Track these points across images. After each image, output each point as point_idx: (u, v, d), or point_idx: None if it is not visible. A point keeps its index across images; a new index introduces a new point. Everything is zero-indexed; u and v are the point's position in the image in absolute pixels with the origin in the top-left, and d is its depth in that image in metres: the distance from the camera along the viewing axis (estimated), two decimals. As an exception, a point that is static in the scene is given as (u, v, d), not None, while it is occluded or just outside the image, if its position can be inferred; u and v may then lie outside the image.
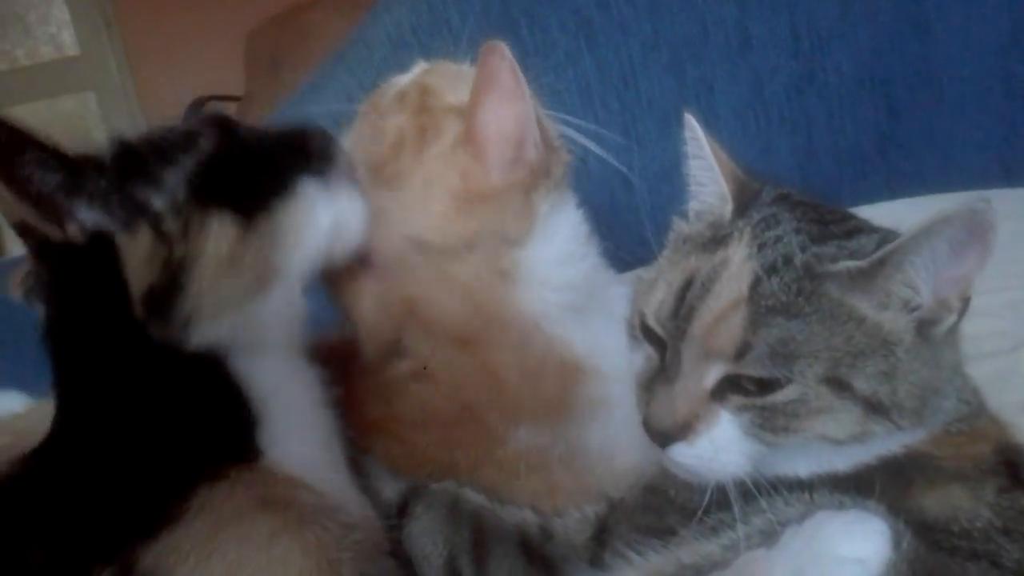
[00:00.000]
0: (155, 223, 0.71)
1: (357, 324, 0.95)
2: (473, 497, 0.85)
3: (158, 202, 0.72)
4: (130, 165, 0.73)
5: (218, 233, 0.72)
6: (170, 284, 0.71)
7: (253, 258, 0.74)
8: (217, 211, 0.73)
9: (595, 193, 1.06)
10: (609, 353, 0.92)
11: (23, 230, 0.70)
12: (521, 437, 0.89)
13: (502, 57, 0.87)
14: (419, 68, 1.03)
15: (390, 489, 0.86)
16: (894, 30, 1.70)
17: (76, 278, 0.71)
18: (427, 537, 0.82)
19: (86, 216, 0.70)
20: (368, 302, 0.93)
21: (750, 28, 1.66)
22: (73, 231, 0.69)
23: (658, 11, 1.63)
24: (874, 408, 0.67)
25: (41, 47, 5.26)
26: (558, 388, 0.90)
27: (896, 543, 0.60)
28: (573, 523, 0.82)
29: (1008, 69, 1.73)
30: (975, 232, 0.66)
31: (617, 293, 0.98)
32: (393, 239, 0.91)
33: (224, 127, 0.79)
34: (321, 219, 0.80)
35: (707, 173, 0.81)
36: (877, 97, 1.72)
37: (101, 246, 0.70)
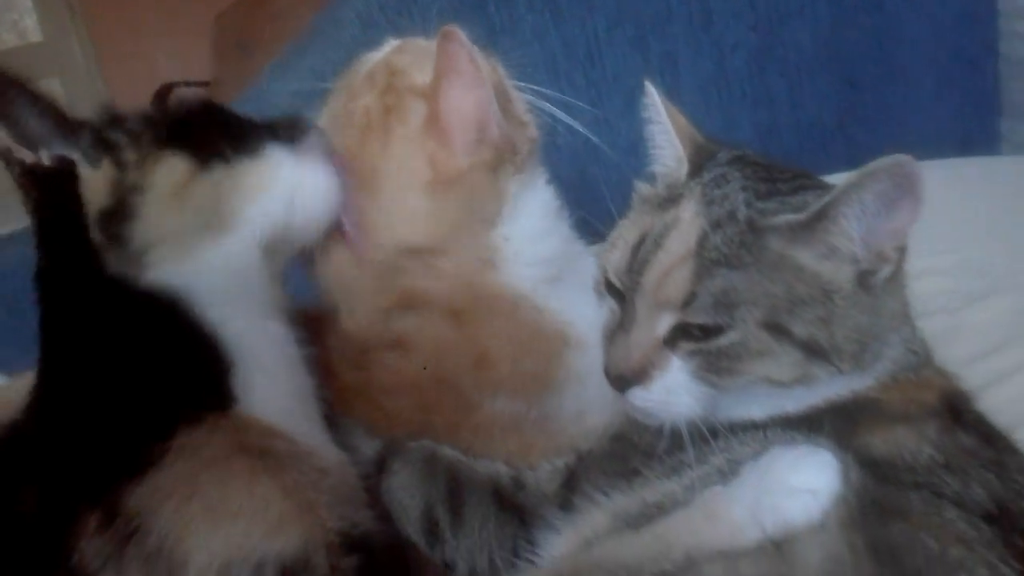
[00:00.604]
0: (114, 155, 0.79)
1: (335, 297, 0.99)
2: (448, 453, 0.89)
3: (122, 139, 0.80)
4: (108, 117, 0.82)
5: (169, 168, 0.79)
6: (120, 208, 0.77)
7: (203, 199, 0.80)
8: (173, 152, 0.80)
9: (565, 167, 1.10)
10: (585, 321, 0.95)
11: (6, 159, 0.78)
12: (497, 405, 0.93)
13: (460, 43, 0.90)
14: (389, 46, 1.05)
15: (367, 447, 0.89)
16: (850, 4, 1.76)
17: (44, 200, 0.79)
18: (404, 490, 0.85)
19: (58, 149, 0.78)
20: (355, 285, 0.97)
21: (712, 3, 1.70)
22: (43, 157, 0.78)
23: (622, -14, 1.68)
24: (813, 352, 0.71)
25: (4, 34, 5.19)
26: (544, 360, 0.94)
27: (844, 475, 0.65)
28: (544, 474, 0.86)
29: (961, 42, 1.79)
30: (902, 185, 0.69)
31: (588, 264, 1.01)
32: (383, 249, 0.95)
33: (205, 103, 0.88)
34: (283, 183, 0.85)
35: (664, 137, 0.86)
36: (835, 71, 1.78)
37: (65, 171, 0.78)
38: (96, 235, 0.77)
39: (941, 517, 0.64)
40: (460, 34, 0.90)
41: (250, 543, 0.70)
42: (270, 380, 0.81)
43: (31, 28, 5.15)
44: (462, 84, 0.91)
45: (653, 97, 0.85)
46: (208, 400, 0.76)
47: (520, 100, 1.01)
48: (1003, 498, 0.69)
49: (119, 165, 0.79)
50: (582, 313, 0.96)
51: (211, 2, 4.01)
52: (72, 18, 4.95)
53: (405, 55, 1.02)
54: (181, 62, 4.18)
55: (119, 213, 0.77)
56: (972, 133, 1.83)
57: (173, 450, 0.71)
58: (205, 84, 3.87)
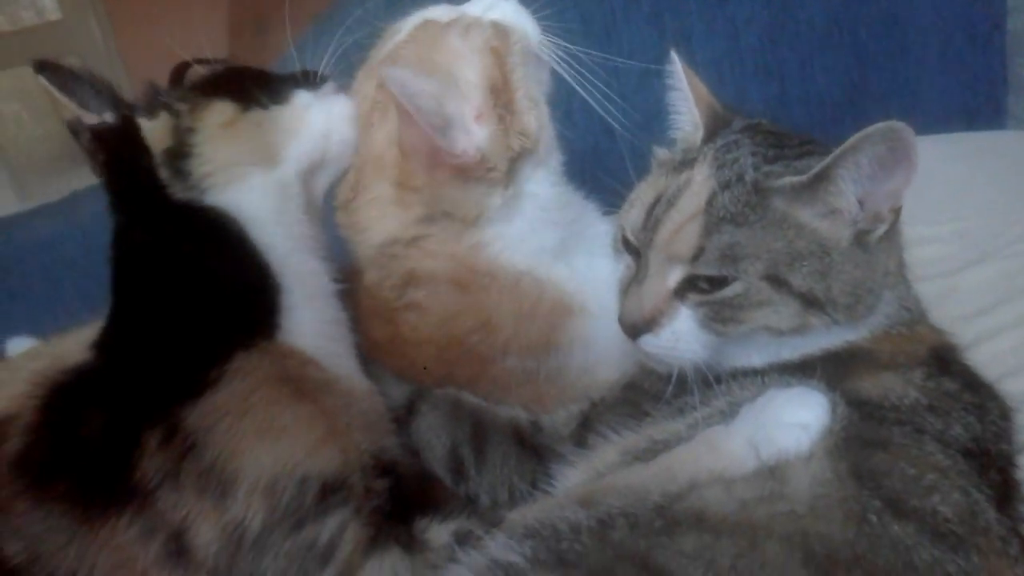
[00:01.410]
0: (169, 107, 0.91)
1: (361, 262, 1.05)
2: (471, 399, 0.96)
3: (171, 96, 0.93)
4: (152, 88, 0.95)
5: (217, 110, 0.91)
6: (180, 146, 0.89)
7: (249, 133, 0.92)
8: (218, 98, 0.92)
9: (579, 141, 1.15)
10: (594, 289, 1.01)
11: (74, 131, 0.90)
12: (509, 362, 0.99)
13: (400, 85, 0.92)
14: (412, 22, 1.07)
15: (397, 392, 0.96)
16: (862, -19, 1.78)
17: (113, 153, 0.90)
18: (431, 431, 0.93)
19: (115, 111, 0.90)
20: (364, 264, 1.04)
21: (726, -21, 1.74)
22: (107, 117, 0.89)
23: (639, -36, 1.72)
24: (810, 302, 0.78)
25: (23, 12, 5.24)
26: (546, 329, 0.99)
27: (832, 411, 0.72)
28: (560, 418, 0.93)
29: (969, 19, 1.82)
30: (896, 149, 0.75)
31: (602, 231, 1.07)
32: (370, 250, 1.03)
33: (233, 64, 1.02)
34: (315, 120, 0.97)
35: (683, 103, 0.93)
36: (846, 47, 1.81)
37: (128, 124, 0.89)
38: (163, 171, 0.88)
39: (920, 449, 0.71)
40: (406, 76, 0.92)
41: (294, 460, 0.78)
42: (309, 307, 0.89)
43: (49, 7, 5.19)
44: (409, 121, 0.95)
45: (676, 66, 0.92)
46: (260, 325, 0.85)
47: (528, 101, 1.01)
48: (982, 438, 0.76)
49: (174, 113, 0.90)
50: (590, 280, 1.02)
51: (227, -20, 4.07)
52: (90, -3, 5.00)
53: (413, 49, 1.03)
54: (197, 40, 4.22)
55: (180, 151, 0.88)
56: (979, 108, 1.86)
57: (228, 373, 0.79)
58: (221, 62, 3.92)
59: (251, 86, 0.95)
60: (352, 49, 1.13)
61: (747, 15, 1.75)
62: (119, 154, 0.89)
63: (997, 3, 1.81)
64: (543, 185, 1.03)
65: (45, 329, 1.31)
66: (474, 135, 0.96)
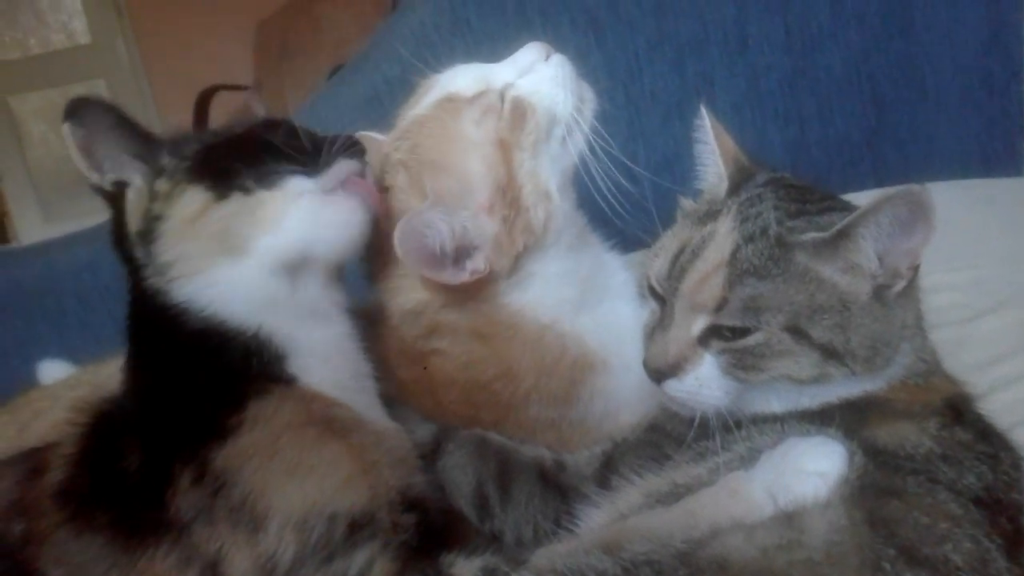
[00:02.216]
0: (150, 184, 0.89)
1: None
2: (496, 438, 0.99)
3: (168, 167, 0.90)
4: (173, 141, 0.93)
5: (188, 200, 0.88)
6: (147, 232, 0.87)
7: (216, 228, 0.87)
8: (195, 184, 0.88)
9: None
10: (617, 341, 1.02)
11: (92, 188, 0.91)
12: (532, 411, 1.01)
13: (407, 252, 0.93)
14: (435, 95, 1.06)
15: (423, 431, 0.99)
16: (881, 30, 1.82)
17: (113, 215, 0.91)
18: (458, 469, 0.95)
19: (130, 170, 0.90)
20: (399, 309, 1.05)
21: (748, 28, 1.78)
22: (106, 180, 0.90)
23: (662, 10, 1.76)
24: (830, 354, 0.81)
25: (53, 35, 5.34)
26: (567, 384, 1.01)
27: (849, 460, 0.74)
28: (583, 458, 0.96)
29: (987, 68, 1.85)
30: (916, 210, 0.78)
31: (622, 279, 1.10)
32: (395, 314, 1.04)
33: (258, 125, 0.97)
34: (299, 215, 0.89)
35: (710, 156, 0.97)
36: (865, 92, 1.84)
37: (117, 195, 0.90)
38: (138, 251, 0.88)
39: (934, 498, 0.73)
40: (416, 230, 0.93)
41: (324, 498, 0.81)
42: (325, 364, 0.91)
43: (80, 30, 5.30)
44: (421, 269, 0.97)
45: (704, 119, 0.96)
46: (269, 379, 0.86)
47: (534, 196, 1.00)
48: (994, 487, 0.78)
49: (151, 194, 0.89)
50: (613, 330, 1.03)
51: (254, 8, 4.14)
52: (119, 20, 5.09)
53: (426, 131, 1.03)
54: (223, 66, 4.29)
55: (147, 235, 0.87)
56: (996, 154, 1.89)
57: (249, 419, 0.82)
58: (246, 88, 3.98)
59: (240, 166, 0.89)
60: (383, 90, 1.16)
61: (768, 61, 1.79)
62: (113, 218, 0.91)
63: (1015, 52, 1.84)
64: (550, 265, 1.03)
65: (78, 353, 1.36)
66: (477, 253, 0.98)
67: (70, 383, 1.22)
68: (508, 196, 0.99)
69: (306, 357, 0.89)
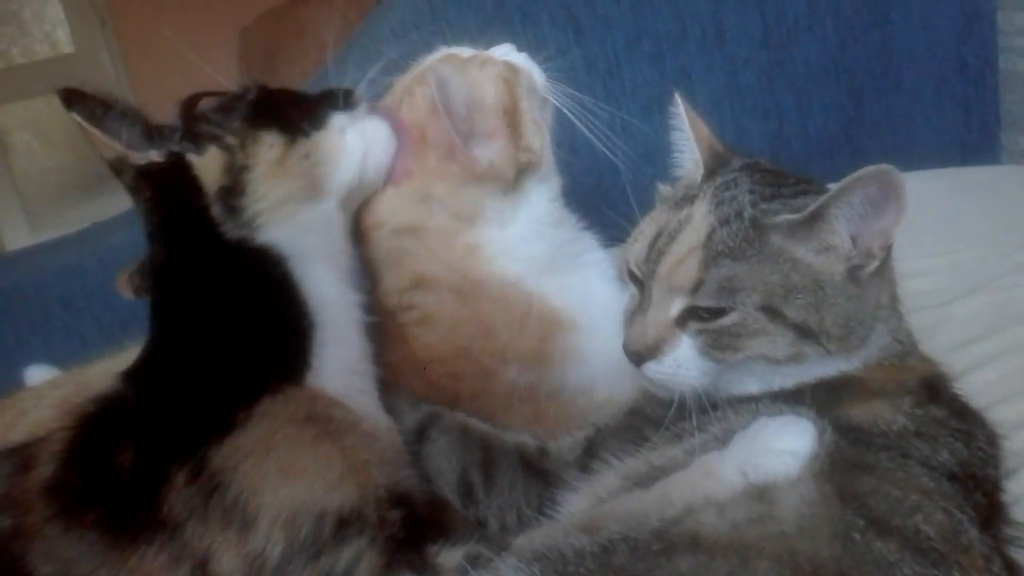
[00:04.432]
0: (220, 142, 0.91)
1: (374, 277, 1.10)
2: (480, 424, 1.00)
3: (220, 130, 0.92)
4: (189, 115, 0.95)
5: (269, 143, 0.92)
6: (235, 184, 0.90)
7: (298, 167, 0.92)
8: (266, 130, 0.92)
9: (584, 176, 1.20)
10: (586, 306, 1.09)
11: (116, 169, 0.91)
12: (512, 375, 1.04)
13: (445, 85, 1.02)
14: (438, 54, 1.17)
15: (410, 418, 1.00)
16: (857, 22, 1.84)
17: (163, 191, 0.91)
18: (443, 456, 0.96)
19: (155, 150, 0.90)
20: (379, 262, 1.09)
21: (725, 21, 1.80)
22: (154, 155, 0.90)
23: (640, 6, 1.78)
24: (804, 333, 0.82)
25: (36, 45, 5.31)
26: (538, 338, 1.06)
27: (820, 437, 0.75)
28: (566, 445, 0.97)
29: (962, 57, 1.87)
30: (886, 189, 0.80)
31: (601, 256, 1.16)
32: (390, 236, 1.08)
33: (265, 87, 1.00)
34: (352, 144, 0.98)
35: (685, 143, 0.98)
36: (842, 84, 1.87)
37: (178, 163, 0.90)
38: (216, 210, 0.89)
39: (906, 472, 0.74)
40: (445, 75, 1.03)
41: (313, 497, 0.81)
42: (340, 342, 0.92)
43: (63, 39, 5.28)
44: (437, 119, 1.04)
45: (679, 107, 0.97)
46: (291, 368, 0.88)
47: (533, 124, 1.11)
48: (969, 463, 0.79)
49: (225, 148, 0.90)
50: (581, 297, 1.09)
51: (238, 15, 4.13)
52: (103, 30, 5.07)
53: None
54: (208, 73, 4.28)
55: (233, 189, 0.89)
56: (973, 143, 1.91)
57: (255, 416, 0.83)
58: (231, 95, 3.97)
59: (292, 112, 0.95)
60: (366, 88, 1.18)
61: (745, 55, 1.81)
62: (168, 193, 0.90)
63: (989, 41, 1.87)
64: (542, 198, 1.13)
65: (64, 358, 1.35)
66: (487, 148, 1.06)
67: (55, 382, 1.23)
68: (512, 120, 1.09)
69: (328, 331, 0.91)
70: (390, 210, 1.08)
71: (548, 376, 1.05)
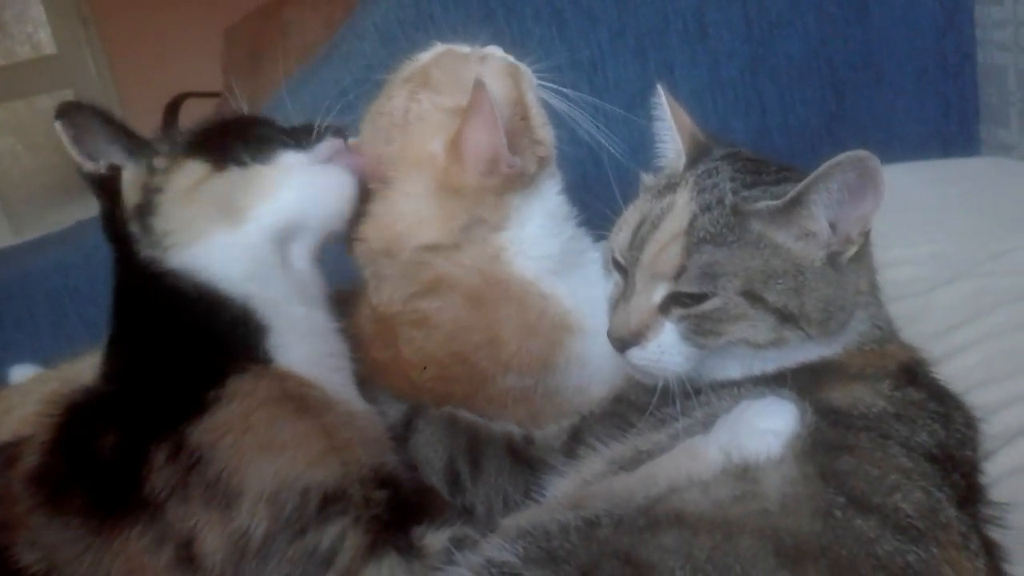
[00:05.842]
0: (149, 162, 0.94)
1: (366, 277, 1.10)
2: (466, 414, 1.01)
3: (163, 148, 0.95)
4: (167, 134, 0.97)
5: (188, 171, 0.93)
6: (146, 204, 0.92)
7: (216, 194, 0.93)
8: (194, 158, 0.94)
9: (570, 171, 1.21)
10: (592, 309, 1.06)
11: (80, 173, 0.94)
12: (508, 380, 1.04)
13: (486, 94, 1.00)
14: (434, 50, 1.16)
15: (394, 411, 1.01)
16: (838, 16, 1.86)
17: (102, 199, 0.94)
18: (430, 446, 0.97)
19: (119, 159, 0.94)
20: (384, 273, 1.09)
21: (707, 16, 1.81)
22: (100, 166, 0.93)
23: (623, 1, 1.79)
24: (785, 317, 0.83)
25: (18, 47, 5.28)
26: (547, 345, 1.05)
27: (801, 419, 0.77)
28: (552, 432, 0.98)
29: (942, 51, 1.89)
30: (864, 176, 0.80)
31: (592, 257, 1.15)
32: (407, 251, 1.06)
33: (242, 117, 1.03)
34: (293, 185, 0.96)
35: (667, 132, 0.99)
36: (824, 78, 1.88)
37: (110, 176, 0.93)
38: (133, 226, 0.92)
39: (885, 452, 0.75)
40: (486, 88, 1.00)
41: (296, 473, 0.82)
42: (302, 344, 0.93)
43: (45, 41, 5.26)
44: (482, 126, 1.01)
45: (661, 98, 0.99)
46: (248, 355, 0.89)
47: (540, 117, 1.11)
48: (947, 444, 0.80)
49: (150, 170, 0.93)
50: (585, 302, 1.08)
51: (222, 15, 4.09)
52: (86, 31, 5.05)
53: (441, 70, 1.11)
54: (192, 73, 4.28)
55: (146, 208, 0.91)
56: (953, 136, 1.93)
57: (226, 395, 0.84)
58: (216, 95, 3.96)
59: (235, 142, 0.95)
60: (350, 86, 1.18)
61: (728, 49, 1.82)
62: (104, 202, 0.94)
63: (968, 35, 1.89)
64: (552, 192, 1.12)
65: (49, 356, 1.36)
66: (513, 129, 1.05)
67: (41, 378, 1.23)
68: (521, 111, 1.09)
69: (286, 334, 0.92)
70: (418, 234, 1.06)
71: (548, 380, 1.05)
